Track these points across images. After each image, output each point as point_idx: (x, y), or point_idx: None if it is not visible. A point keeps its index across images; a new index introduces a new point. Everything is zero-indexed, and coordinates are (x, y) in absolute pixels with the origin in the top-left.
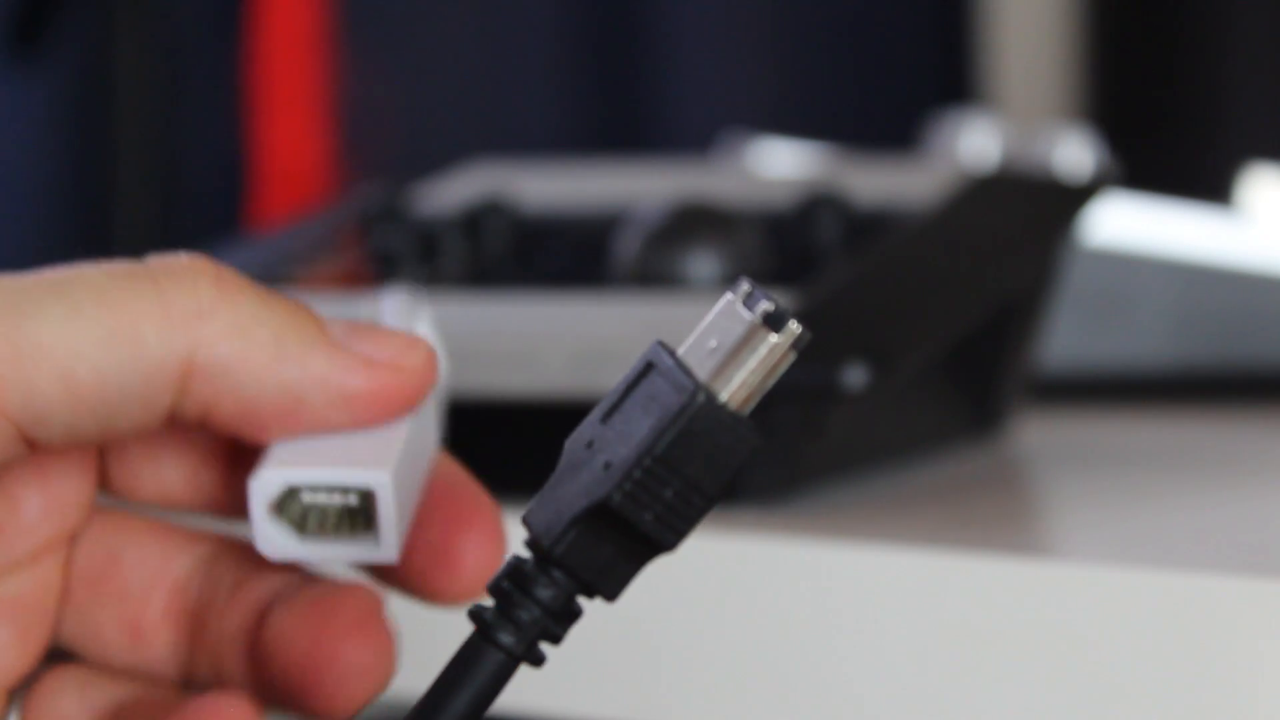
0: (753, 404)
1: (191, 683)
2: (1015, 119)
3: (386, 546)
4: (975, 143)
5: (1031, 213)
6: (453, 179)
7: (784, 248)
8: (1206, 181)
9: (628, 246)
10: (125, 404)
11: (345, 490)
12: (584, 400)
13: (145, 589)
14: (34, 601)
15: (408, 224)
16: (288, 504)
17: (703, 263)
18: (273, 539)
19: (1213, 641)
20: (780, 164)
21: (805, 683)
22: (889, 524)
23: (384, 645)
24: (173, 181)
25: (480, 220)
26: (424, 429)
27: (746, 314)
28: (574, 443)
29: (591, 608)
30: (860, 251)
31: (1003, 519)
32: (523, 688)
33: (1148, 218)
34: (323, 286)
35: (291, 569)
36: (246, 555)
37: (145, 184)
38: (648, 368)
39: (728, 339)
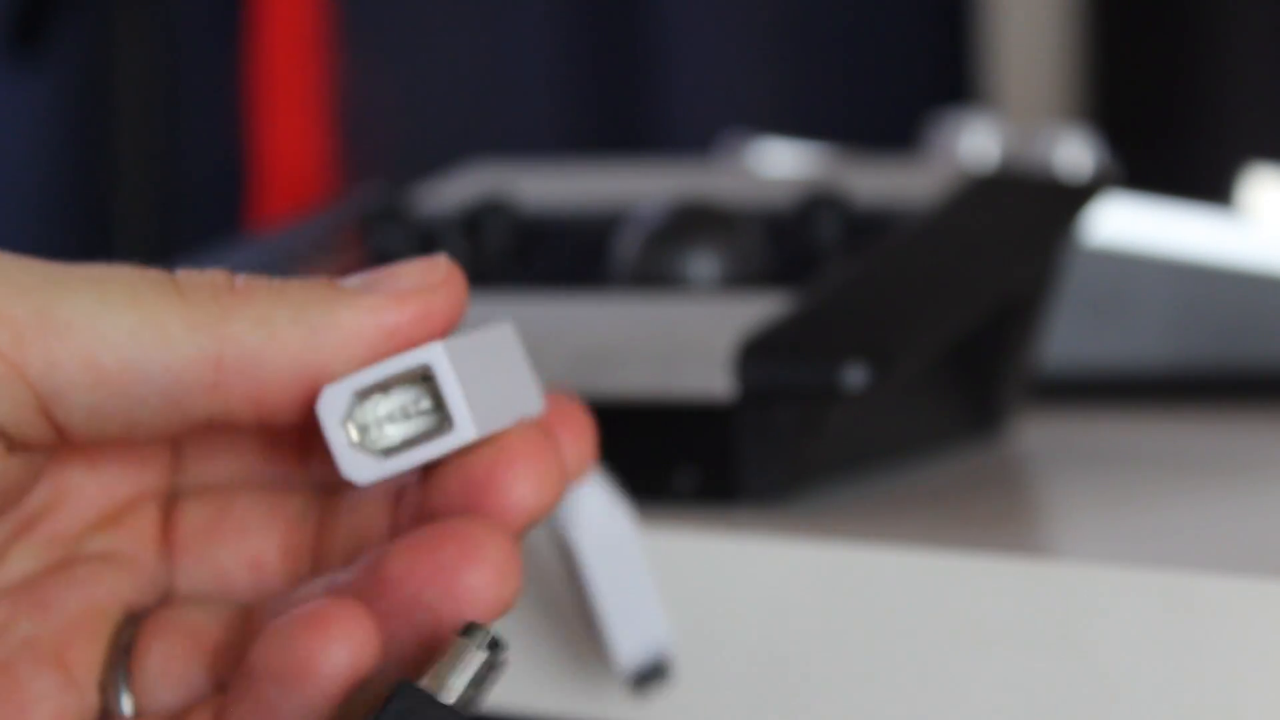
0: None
1: None
2: (1015, 119)
3: (461, 423)
4: (975, 143)
5: (1031, 213)
6: (453, 179)
7: (784, 248)
8: (1206, 181)
9: (628, 246)
10: (151, 399)
11: (406, 377)
12: (584, 400)
13: (263, 525)
14: (128, 556)
15: (408, 224)
16: (364, 427)
17: (703, 263)
18: (355, 462)
19: (1213, 641)
20: (780, 164)
21: (805, 683)
22: (889, 524)
23: (507, 566)
24: (173, 181)
25: (480, 220)
26: (501, 346)
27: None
28: None
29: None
30: (860, 251)
31: (1003, 519)
32: (522, 687)
33: (1148, 218)
34: None
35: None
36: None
37: (145, 184)
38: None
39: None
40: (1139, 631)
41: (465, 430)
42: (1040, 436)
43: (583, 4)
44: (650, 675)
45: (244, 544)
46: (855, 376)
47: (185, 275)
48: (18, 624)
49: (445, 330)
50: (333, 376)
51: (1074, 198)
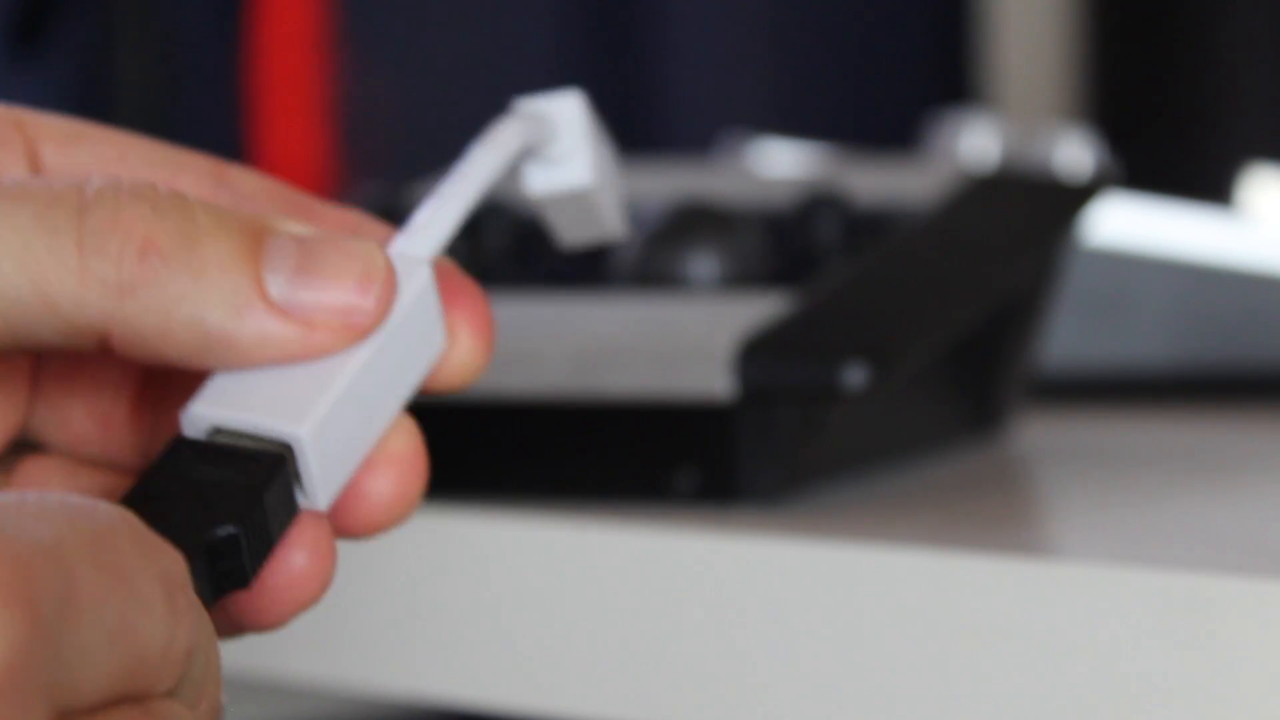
0: None
1: None
2: (1015, 119)
3: (312, 498)
4: (975, 143)
5: (1031, 213)
6: None
7: (784, 248)
8: (1206, 181)
9: (628, 246)
10: (39, 346)
11: (267, 440)
12: (584, 400)
13: (118, 380)
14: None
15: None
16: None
17: (703, 263)
18: None
19: (1213, 641)
20: (780, 164)
21: (805, 683)
22: (889, 524)
23: (327, 553)
24: None
25: (480, 220)
26: (404, 338)
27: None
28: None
29: (589, 609)
30: (860, 251)
31: (1003, 519)
32: (523, 687)
33: (1148, 218)
34: None
35: None
36: None
37: None
38: None
39: None
40: (1139, 631)
41: (315, 504)
42: (1040, 436)
43: (583, 4)
44: None
45: (98, 397)
46: (855, 376)
47: (91, 219)
48: None
49: (345, 347)
50: (210, 367)
51: (1074, 198)
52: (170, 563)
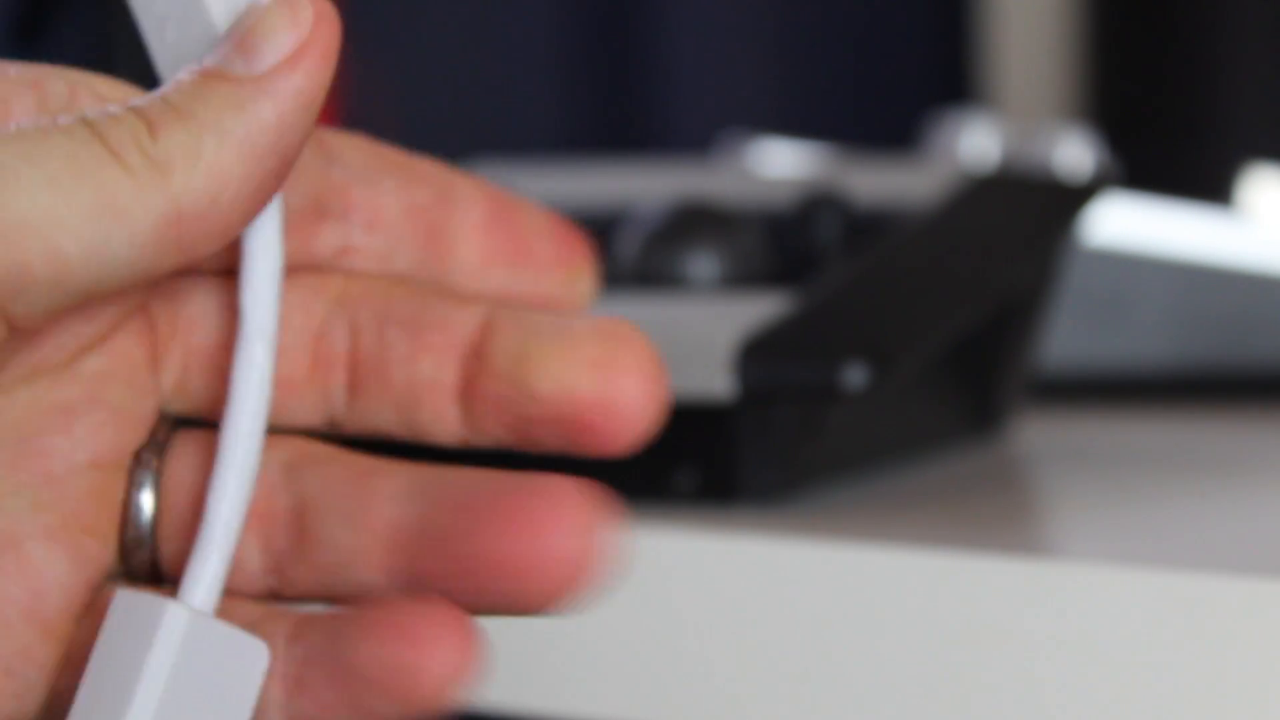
0: None
1: (338, 427)
2: (1015, 119)
3: None
4: (975, 143)
5: (1031, 213)
6: None
7: (784, 248)
8: (1206, 181)
9: (628, 246)
10: (115, 274)
11: None
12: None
13: (288, 339)
14: (118, 376)
15: None
16: None
17: (703, 263)
18: None
19: (1213, 641)
20: (780, 164)
21: (805, 683)
22: (889, 524)
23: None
24: None
25: None
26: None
27: None
28: None
29: (589, 609)
30: (860, 251)
31: (1003, 519)
32: (523, 687)
33: (1148, 218)
34: None
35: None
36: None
37: None
38: None
39: None
40: (1139, 631)
41: None
42: (1040, 436)
43: (583, 4)
44: None
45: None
46: (855, 376)
47: (99, 122)
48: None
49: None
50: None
51: (1074, 198)
52: None
